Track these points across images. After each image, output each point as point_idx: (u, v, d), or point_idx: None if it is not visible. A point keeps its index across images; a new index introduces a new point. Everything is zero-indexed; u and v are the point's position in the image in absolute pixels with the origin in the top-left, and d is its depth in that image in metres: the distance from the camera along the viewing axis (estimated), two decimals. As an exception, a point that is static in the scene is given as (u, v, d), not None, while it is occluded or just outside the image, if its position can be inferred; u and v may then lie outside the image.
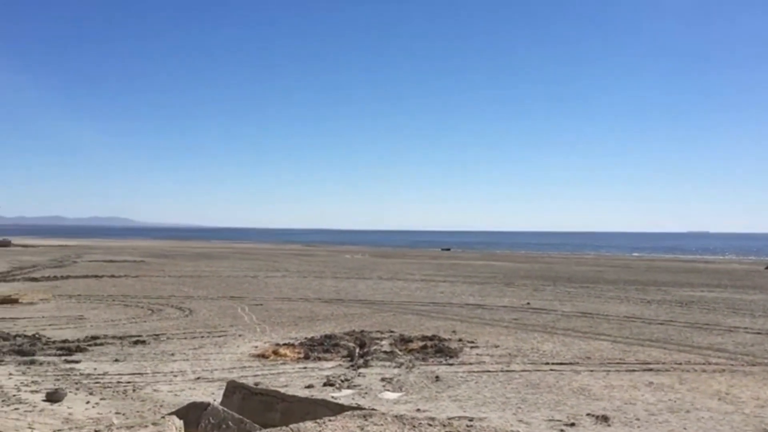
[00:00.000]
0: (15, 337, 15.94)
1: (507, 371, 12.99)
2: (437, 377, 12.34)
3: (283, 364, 13.63)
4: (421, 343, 15.80)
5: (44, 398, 10.32)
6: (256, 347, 15.29)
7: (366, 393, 11.20)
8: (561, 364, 13.76)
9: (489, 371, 12.97)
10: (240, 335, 17.02)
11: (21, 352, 13.99)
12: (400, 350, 15.07)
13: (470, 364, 13.72)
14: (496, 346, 15.75)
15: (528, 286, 33.46)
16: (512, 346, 15.78)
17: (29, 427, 5.64)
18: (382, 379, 12.16)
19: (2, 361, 13.26)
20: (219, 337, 16.71)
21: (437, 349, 15.07)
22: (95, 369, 12.75)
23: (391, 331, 17.88)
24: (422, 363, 13.74)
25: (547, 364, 13.76)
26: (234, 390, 6.72)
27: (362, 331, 17.68)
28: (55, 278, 34.59)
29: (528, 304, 25.17)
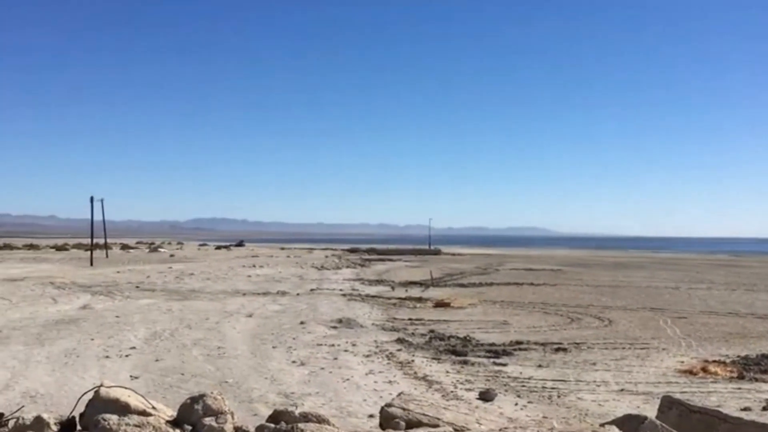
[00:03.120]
0: (449, 338, 17.51)
1: None
2: None
3: (714, 382, 12.70)
4: None
5: (477, 396, 11.15)
6: (682, 362, 14.49)
7: (817, 423, 9.85)
8: None
9: None
10: (663, 349, 16.31)
11: (455, 352, 15.34)
12: None
13: None
14: None
15: None
16: None
17: (477, 422, 6.10)
18: (838, 409, 10.58)
19: (440, 359, 14.67)
20: (641, 349, 16.22)
21: None
22: (521, 372, 13.37)
23: None
24: None
25: None
26: (670, 405, 6.42)
27: (807, 353, 15.63)
28: (480, 284, 37.15)
29: None
